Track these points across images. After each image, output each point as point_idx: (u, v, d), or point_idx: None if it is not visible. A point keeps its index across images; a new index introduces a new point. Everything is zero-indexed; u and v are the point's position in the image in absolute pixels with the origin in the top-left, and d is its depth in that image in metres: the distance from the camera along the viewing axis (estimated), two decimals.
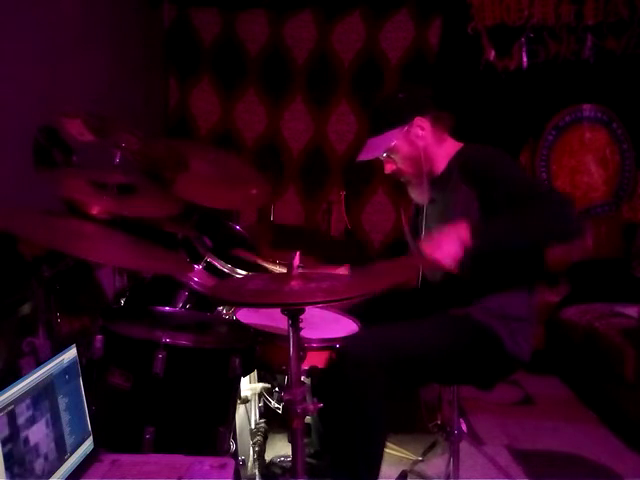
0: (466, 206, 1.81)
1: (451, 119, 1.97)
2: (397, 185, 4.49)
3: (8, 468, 1.08)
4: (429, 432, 2.31)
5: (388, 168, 1.99)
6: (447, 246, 1.61)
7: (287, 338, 1.49)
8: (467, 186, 1.81)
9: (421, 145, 1.91)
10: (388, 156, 1.97)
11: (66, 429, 1.29)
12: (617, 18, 4.29)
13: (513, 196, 1.70)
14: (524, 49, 4.39)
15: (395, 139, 1.91)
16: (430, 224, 2.02)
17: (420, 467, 2.39)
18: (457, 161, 1.91)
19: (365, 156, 1.96)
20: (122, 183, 1.92)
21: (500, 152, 1.87)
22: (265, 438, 2.20)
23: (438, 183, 1.94)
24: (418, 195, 2.02)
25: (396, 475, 2.21)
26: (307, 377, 1.87)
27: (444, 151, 1.94)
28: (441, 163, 1.94)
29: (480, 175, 1.81)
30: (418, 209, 2.13)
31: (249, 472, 2.12)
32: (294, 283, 1.49)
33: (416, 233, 2.08)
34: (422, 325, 1.85)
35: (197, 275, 2.06)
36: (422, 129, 1.91)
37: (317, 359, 1.83)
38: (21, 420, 1.14)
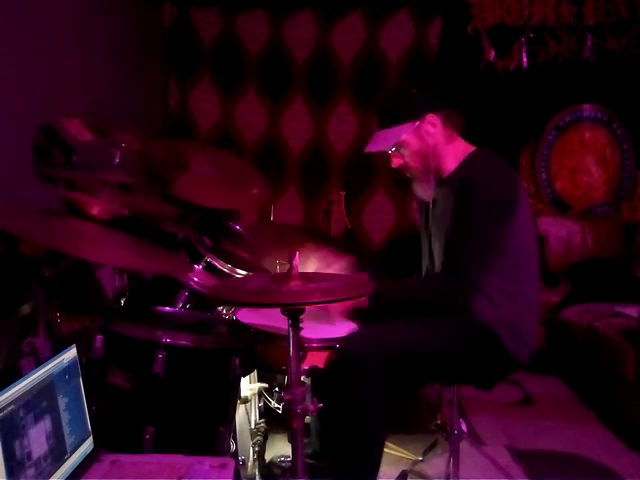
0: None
1: (462, 119, 1.97)
2: (397, 185, 4.53)
3: (8, 468, 1.08)
4: (429, 432, 2.31)
5: (395, 162, 1.98)
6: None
7: (287, 338, 1.49)
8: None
9: (431, 142, 1.91)
10: (397, 150, 1.95)
11: (66, 429, 1.29)
12: (617, 18, 4.30)
13: (447, 242, 1.85)
14: (524, 49, 4.39)
15: (405, 133, 1.90)
16: (434, 223, 2.01)
17: (420, 467, 2.38)
18: (462, 171, 1.90)
19: (373, 148, 1.94)
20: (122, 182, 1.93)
21: (493, 189, 1.82)
22: (265, 438, 2.20)
23: (443, 184, 1.94)
24: (423, 192, 2.01)
25: (396, 475, 2.21)
26: (307, 377, 1.87)
27: (453, 151, 1.94)
28: (449, 163, 1.94)
29: (458, 200, 1.83)
30: (422, 205, 2.12)
31: (249, 472, 2.12)
32: (294, 283, 1.49)
33: (425, 229, 2.08)
34: (422, 324, 1.84)
35: (197, 275, 2.05)
36: (433, 126, 1.90)
37: (317, 359, 1.83)
38: (21, 420, 1.14)
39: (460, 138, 1.97)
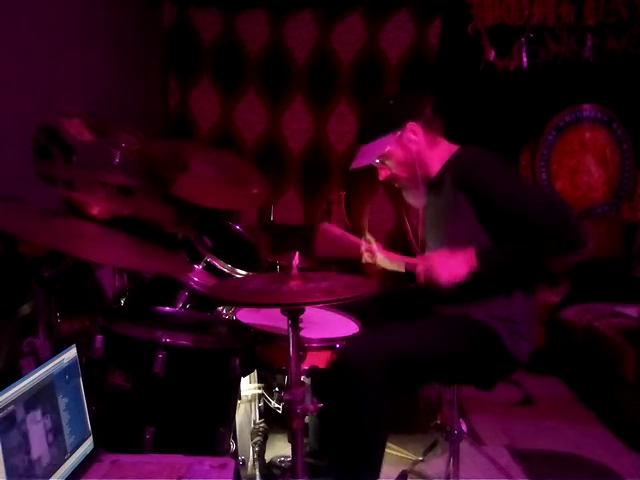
0: (460, 210, 1.84)
1: (443, 122, 1.98)
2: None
3: (8, 468, 1.08)
4: (429, 432, 2.31)
5: (383, 174, 1.99)
6: (453, 269, 1.74)
7: (287, 338, 1.49)
8: (461, 193, 1.83)
9: (414, 150, 1.92)
10: (382, 162, 1.97)
11: (66, 429, 1.29)
12: (617, 18, 4.29)
13: (511, 215, 1.77)
14: (524, 49, 4.39)
15: (388, 145, 1.92)
16: (427, 227, 2.02)
17: (420, 467, 2.38)
18: (451, 165, 1.91)
19: (359, 163, 1.96)
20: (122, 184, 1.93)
21: (494, 159, 1.87)
22: (265, 438, 2.20)
23: (433, 186, 1.94)
24: (414, 199, 2.02)
25: (396, 475, 2.21)
26: (307, 377, 1.87)
27: (438, 154, 1.94)
28: (435, 166, 1.94)
29: (475, 187, 1.82)
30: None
31: (249, 472, 2.12)
32: (293, 283, 1.49)
33: (415, 235, 2.09)
34: (422, 325, 1.85)
35: (197, 275, 2.06)
36: (414, 134, 1.92)
37: (317, 359, 1.83)
38: (21, 420, 1.14)
39: (444, 140, 1.98)
